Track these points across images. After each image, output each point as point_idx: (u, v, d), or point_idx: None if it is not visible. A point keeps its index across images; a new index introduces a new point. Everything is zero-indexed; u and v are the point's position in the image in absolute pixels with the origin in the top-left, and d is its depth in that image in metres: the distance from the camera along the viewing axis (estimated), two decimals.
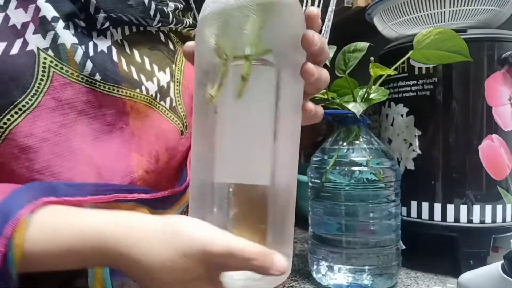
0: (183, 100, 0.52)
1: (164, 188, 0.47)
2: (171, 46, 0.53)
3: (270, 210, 0.33)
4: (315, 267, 0.64)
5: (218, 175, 0.33)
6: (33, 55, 0.39)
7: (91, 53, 0.43)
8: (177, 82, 0.52)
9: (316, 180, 0.63)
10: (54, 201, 0.36)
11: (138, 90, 0.46)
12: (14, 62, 0.38)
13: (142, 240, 0.33)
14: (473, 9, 0.67)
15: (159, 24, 0.50)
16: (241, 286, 0.34)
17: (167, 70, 0.51)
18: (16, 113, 0.38)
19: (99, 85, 0.42)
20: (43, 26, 0.40)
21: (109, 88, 0.43)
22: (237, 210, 0.33)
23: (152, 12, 0.48)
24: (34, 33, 0.40)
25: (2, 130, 0.38)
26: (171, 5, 0.54)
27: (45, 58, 0.40)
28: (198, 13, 0.55)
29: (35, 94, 0.39)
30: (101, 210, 0.35)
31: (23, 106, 0.39)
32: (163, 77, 0.50)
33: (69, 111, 0.41)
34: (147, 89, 0.47)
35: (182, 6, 0.56)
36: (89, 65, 0.42)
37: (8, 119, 0.38)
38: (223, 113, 0.33)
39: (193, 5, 0.54)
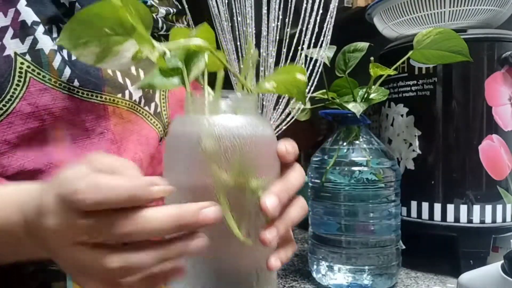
0: (168, 105, 0.52)
1: None
2: None
3: None
4: (315, 267, 0.64)
5: None
6: (10, 60, 0.39)
7: (73, 57, 0.42)
8: None
9: (316, 180, 0.63)
10: None
11: (120, 95, 0.45)
12: None
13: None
14: (473, 9, 0.67)
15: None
16: None
17: None
18: (1, 109, 0.38)
19: (77, 91, 0.42)
20: (22, 30, 0.40)
21: (87, 94, 0.43)
22: None
23: None
24: (13, 37, 0.39)
25: None
26: (162, 11, 0.54)
27: (21, 63, 0.39)
28: (192, 17, 0.55)
29: (10, 99, 0.38)
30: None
31: (4, 105, 0.38)
32: None
33: (46, 117, 0.40)
34: (130, 94, 0.47)
35: (174, 10, 0.56)
36: (67, 71, 0.41)
37: None
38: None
39: (187, 9, 0.54)
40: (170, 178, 0.29)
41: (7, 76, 0.38)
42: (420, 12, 0.69)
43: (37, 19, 0.40)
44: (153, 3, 0.54)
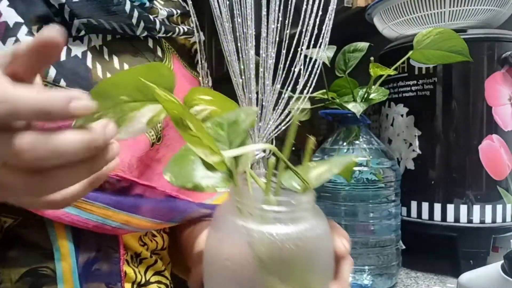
0: None
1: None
2: (159, 53, 0.52)
3: None
4: None
5: None
6: None
7: (62, 57, 0.41)
8: None
9: None
10: None
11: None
12: None
13: None
14: (473, 9, 0.67)
15: (145, 33, 0.48)
16: None
17: None
18: None
19: None
20: (3, 31, 0.38)
21: None
22: None
23: (134, 20, 0.46)
24: None
25: None
26: (163, 12, 0.52)
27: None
28: (199, 18, 0.54)
29: None
30: None
31: None
32: None
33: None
34: None
35: (178, 12, 0.55)
36: (52, 71, 0.40)
37: None
38: None
39: (192, 11, 0.52)
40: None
41: None
42: (420, 12, 0.69)
43: (20, 20, 0.39)
44: (155, 4, 0.53)
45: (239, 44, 0.47)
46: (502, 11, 0.69)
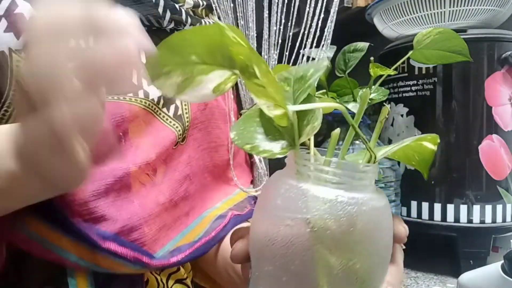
0: (190, 108, 0.49)
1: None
2: None
3: None
4: None
5: None
6: (5, 57, 0.35)
7: None
8: None
9: None
10: None
11: (131, 94, 0.42)
12: None
13: None
14: (473, 9, 0.67)
15: (172, 25, 0.46)
16: None
17: None
18: (3, 115, 0.35)
19: None
20: (19, 24, 0.35)
21: None
22: None
23: (161, 10, 0.44)
24: (6, 30, 0.35)
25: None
26: (189, 1, 0.49)
27: (18, 61, 0.35)
28: (220, 11, 0.52)
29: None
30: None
31: (6, 110, 0.35)
32: None
33: None
34: (146, 93, 0.43)
35: (204, 3, 0.52)
36: None
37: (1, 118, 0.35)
38: None
39: (216, 5, 0.50)
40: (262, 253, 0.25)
41: (2, 74, 0.34)
42: (420, 12, 0.69)
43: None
44: None
45: None
46: (502, 11, 0.70)
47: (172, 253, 0.43)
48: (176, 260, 0.42)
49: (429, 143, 0.28)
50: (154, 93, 0.44)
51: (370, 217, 0.25)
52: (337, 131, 0.27)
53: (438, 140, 0.28)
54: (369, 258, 0.25)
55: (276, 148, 0.25)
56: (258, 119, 0.26)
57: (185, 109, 0.49)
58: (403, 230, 0.29)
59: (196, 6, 0.50)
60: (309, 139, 0.27)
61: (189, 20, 0.48)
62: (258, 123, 0.26)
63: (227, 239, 0.47)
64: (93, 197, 0.37)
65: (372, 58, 0.60)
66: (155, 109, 0.45)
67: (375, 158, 0.27)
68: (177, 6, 0.46)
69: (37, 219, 0.35)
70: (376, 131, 0.29)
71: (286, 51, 0.47)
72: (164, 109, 0.46)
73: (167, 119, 0.46)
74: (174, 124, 0.47)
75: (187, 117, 0.48)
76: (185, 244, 0.45)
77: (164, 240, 0.43)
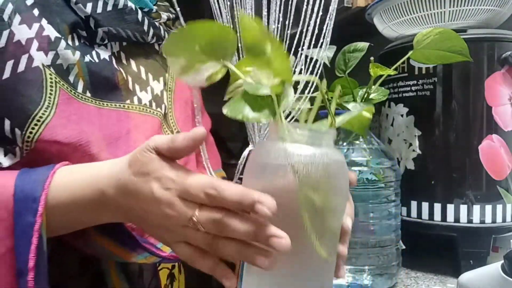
0: (174, 107, 0.54)
1: None
2: (164, 55, 0.55)
3: None
4: None
5: None
6: (40, 71, 0.41)
7: (95, 60, 0.45)
8: (170, 90, 0.55)
9: None
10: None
11: (128, 101, 0.48)
12: (22, 79, 0.40)
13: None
14: (473, 9, 0.67)
15: (154, 40, 0.53)
16: None
17: (161, 79, 0.53)
18: (35, 125, 0.40)
19: (91, 101, 0.45)
20: (46, 44, 0.42)
21: (99, 103, 0.45)
22: None
23: (145, 28, 0.51)
24: (38, 49, 0.41)
25: (29, 140, 0.40)
26: (164, 16, 0.56)
27: (50, 75, 0.42)
28: (193, 18, 0.55)
29: (48, 106, 0.41)
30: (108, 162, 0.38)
31: (40, 117, 0.40)
32: (157, 86, 0.52)
33: (79, 121, 0.43)
34: (139, 99, 0.49)
35: (173, 16, 0.59)
36: (80, 84, 0.44)
37: (31, 132, 0.40)
38: None
39: (180, 15, 0.54)
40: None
41: (39, 87, 0.41)
42: (420, 12, 0.69)
43: (58, 35, 0.43)
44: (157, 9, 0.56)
45: (239, 45, 0.47)
46: (502, 11, 0.69)
47: None
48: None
49: (366, 112, 0.39)
50: (146, 97, 0.51)
51: (337, 165, 0.33)
52: (306, 109, 0.36)
53: (373, 110, 0.40)
54: (339, 196, 0.34)
55: (261, 116, 0.32)
56: (243, 100, 0.32)
57: (169, 107, 0.54)
58: (354, 175, 0.38)
59: (168, 19, 0.58)
60: (281, 113, 0.34)
61: (165, 34, 0.55)
62: (243, 102, 0.32)
63: None
64: None
65: (372, 58, 0.60)
66: (150, 110, 0.51)
67: (335, 122, 0.36)
68: (156, 23, 0.53)
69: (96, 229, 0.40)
70: (334, 100, 0.39)
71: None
72: (158, 109, 0.52)
73: (162, 118, 0.53)
74: (163, 125, 0.53)
75: (170, 116, 0.55)
76: None
77: None
